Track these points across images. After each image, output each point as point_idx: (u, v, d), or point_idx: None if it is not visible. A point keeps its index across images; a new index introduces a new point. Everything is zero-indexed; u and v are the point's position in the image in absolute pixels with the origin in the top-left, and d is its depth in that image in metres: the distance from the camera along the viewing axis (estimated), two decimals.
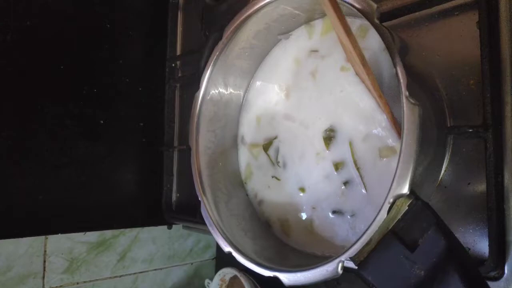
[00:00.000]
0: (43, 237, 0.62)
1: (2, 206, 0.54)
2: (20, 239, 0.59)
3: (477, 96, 0.36)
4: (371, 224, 0.28)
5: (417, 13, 0.40)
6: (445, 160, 0.37)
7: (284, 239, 0.42)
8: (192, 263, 0.82)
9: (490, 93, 0.34)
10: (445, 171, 0.38)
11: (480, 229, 0.36)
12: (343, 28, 0.28)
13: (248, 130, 0.46)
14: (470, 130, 0.34)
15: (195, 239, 0.82)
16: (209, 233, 0.67)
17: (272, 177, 0.44)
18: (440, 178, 0.37)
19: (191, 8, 0.73)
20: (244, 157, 0.47)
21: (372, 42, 0.36)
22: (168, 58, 0.73)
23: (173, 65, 0.73)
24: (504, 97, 0.34)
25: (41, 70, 0.58)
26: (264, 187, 0.45)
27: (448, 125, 0.37)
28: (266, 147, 0.45)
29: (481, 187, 0.36)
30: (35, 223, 0.57)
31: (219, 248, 0.87)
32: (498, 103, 0.34)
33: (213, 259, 0.86)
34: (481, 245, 0.36)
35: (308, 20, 0.41)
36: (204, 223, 0.64)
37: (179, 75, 0.72)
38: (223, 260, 0.85)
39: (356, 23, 0.37)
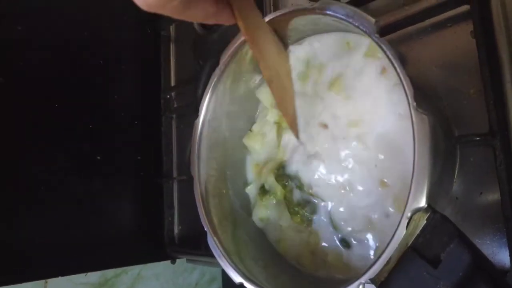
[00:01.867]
0: (43, 282, 0.59)
1: None
2: (19, 286, 0.57)
3: (479, 104, 0.36)
4: (389, 241, 0.27)
5: (410, 28, 0.40)
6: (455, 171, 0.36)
7: (297, 264, 0.41)
8: None
9: (493, 100, 0.33)
10: (455, 182, 0.37)
11: (498, 239, 0.35)
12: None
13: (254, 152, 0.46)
14: (478, 138, 0.34)
15: (200, 273, 0.80)
16: (215, 265, 0.65)
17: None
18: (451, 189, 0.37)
19: (183, 39, 0.73)
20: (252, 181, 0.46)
21: None
22: (162, 89, 0.73)
23: (168, 96, 0.73)
24: (507, 102, 0.34)
25: (35, 108, 0.57)
26: None
27: (455, 135, 0.36)
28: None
29: (494, 196, 0.35)
30: (34, 266, 0.55)
31: (225, 281, 0.85)
32: (502, 109, 0.34)
33: None
34: (500, 256, 0.34)
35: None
36: (209, 255, 0.62)
37: (175, 106, 0.72)
38: None
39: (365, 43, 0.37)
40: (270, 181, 0.42)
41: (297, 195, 0.41)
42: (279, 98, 0.37)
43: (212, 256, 0.61)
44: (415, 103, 0.25)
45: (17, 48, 0.57)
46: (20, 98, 0.56)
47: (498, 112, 0.33)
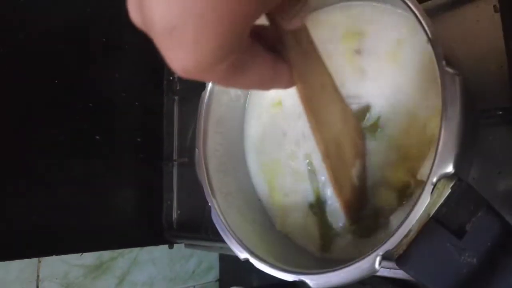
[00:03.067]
0: (36, 261, 0.57)
1: None
2: (11, 263, 0.55)
3: (501, 80, 0.34)
4: (410, 211, 0.25)
5: (430, 2, 0.39)
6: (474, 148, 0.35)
7: (303, 243, 0.39)
8: (194, 286, 0.78)
9: None
10: (473, 161, 0.36)
11: None
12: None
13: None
14: (500, 113, 0.32)
15: (197, 260, 0.78)
16: (214, 249, 0.64)
17: None
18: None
19: None
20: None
21: None
22: (166, 70, 0.71)
23: (171, 77, 0.71)
24: None
25: (34, 84, 0.55)
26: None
27: (477, 109, 0.35)
28: None
29: None
30: (28, 244, 0.53)
31: (222, 270, 0.83)
32: None
33: (216, 281, 0.82)
34: None
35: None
36: (208, 239, 0.60)
37: (178, 87, 0.70)
38: (227, 282, 0.80)
39: None
40: None
41: None
42: (335, 175, 0.30)
43: (211, 240, 0.60)
44: (444, 62, 0.24)
45: (17, 22, 0.55)
46: (18, 74, 0.54)
47: None
